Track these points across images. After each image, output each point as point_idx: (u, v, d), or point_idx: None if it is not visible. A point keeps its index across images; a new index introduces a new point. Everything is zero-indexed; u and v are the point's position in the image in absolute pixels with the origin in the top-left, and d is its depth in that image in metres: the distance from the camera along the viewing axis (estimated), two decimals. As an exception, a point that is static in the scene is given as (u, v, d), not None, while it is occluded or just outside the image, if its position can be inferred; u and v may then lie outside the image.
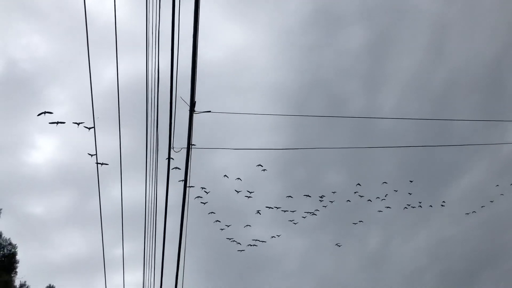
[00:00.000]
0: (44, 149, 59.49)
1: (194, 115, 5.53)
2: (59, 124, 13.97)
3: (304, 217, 23.73)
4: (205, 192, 19.07)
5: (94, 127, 7.10)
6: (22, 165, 53.68)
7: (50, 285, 20.38)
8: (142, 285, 12.43)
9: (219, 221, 21.13)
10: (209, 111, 5.81)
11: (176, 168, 10.33)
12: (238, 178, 21.98)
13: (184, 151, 6.18)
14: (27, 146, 56.87)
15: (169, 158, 6.53)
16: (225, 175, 20.84)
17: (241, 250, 22.55)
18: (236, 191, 21.41)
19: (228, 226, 21.53)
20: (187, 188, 6.71)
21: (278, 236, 23.02)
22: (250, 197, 20.96)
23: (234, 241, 22.78)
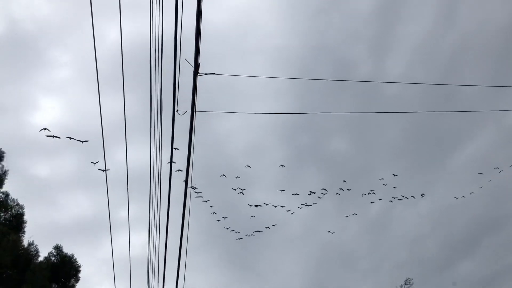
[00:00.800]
0: (48, 110, 59.53)
1: (198, 77, 5.45)
2: (54, 137, 14.14)
3: (300, 208, 23.81)
4: (196, 193, 18.99)
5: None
6: (25, 126, 53.80)
7: (57, 244, 20.81)
8: (147, 245, 12.64)
9: (216, 213, 21.24)
10: (214, 73, 5.72)
11: (179, 170, 10.17)
12: (248, 165, 21.71)
13: (188, 114, 6.13)
14: (30, 108, 56.85)
15: (173, 121, 6.48)
16: (222, 175, 20.87)
17: (239, 239, 22.89)
18: (249, 166, 21.31)
19: (224, 218, 21.67)
20: (191, 154, 6.69)
21: (282, 206, 22.96)
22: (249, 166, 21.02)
23: (233, 230, 22.99)
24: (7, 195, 21.59)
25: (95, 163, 15.26)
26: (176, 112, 6.38)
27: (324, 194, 22.16)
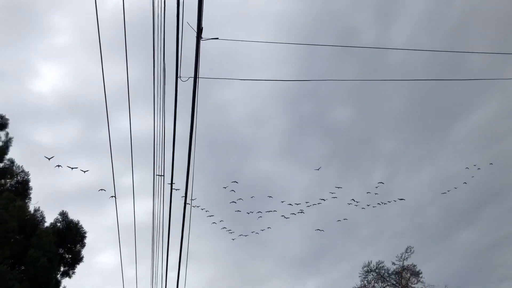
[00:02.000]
0: (49, 77, 59.13)
1: (202, 42, 5.37)
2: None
3: (287, 218, 24.53)
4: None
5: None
6: (26, 93, 53.58)
7: (63, 211, 21.10)
8: (152, 213, 12.78)
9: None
10: (217, 38, 5.63)
11: (176, 189, 10.34)
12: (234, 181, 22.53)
13: (191, 81, 6.08)
14: (30, 74, 56.50)
15: (176, 87, 6.43)
16: (226, 187, 21.78)
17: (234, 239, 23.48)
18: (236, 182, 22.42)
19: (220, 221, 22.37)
20: (195, 121, 6.68)
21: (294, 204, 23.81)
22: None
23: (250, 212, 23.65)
24: (12, 162, 21.76)
25: (102, 190, 16.49)
26: (179, 79, 6.33)
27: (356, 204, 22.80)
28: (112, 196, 13.47)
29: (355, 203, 25.22)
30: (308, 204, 24.63)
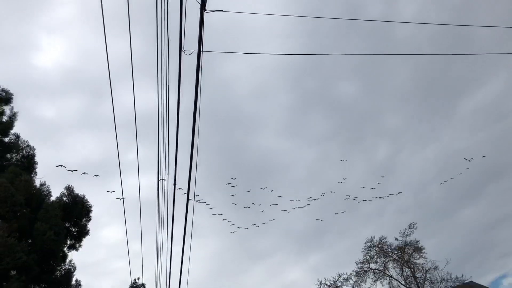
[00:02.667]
0: (51, 51, 58.84)
1: (205, 14, 5.29)
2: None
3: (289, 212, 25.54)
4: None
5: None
6: (29, 67, 53.39)
7: (68, 185, 21.26)
8: (157, 188, 12.88)
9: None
10: (221, 10, 5.54)
11: (180, 188, 10.52)
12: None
13: (195, 54, 6.02)
14: (33, 48, 56.19)
15: (180, 61, 6.37)
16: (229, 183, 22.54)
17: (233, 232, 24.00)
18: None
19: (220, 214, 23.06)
20: (199, 94, 6.63)
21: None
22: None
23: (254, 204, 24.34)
24: (17, 136, 21.86)
25: (111, 192, 17.38)
26: (182, 52, 6.26)
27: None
28: (119, 198, 14.11)
29: (353, 198, 25.88)
30: (309, 201, 25.20)
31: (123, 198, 13.36)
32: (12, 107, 21.98)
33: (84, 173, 19.72)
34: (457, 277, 27.16)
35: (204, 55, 6.36)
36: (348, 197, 25.64)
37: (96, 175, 19.57)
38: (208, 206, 21.35)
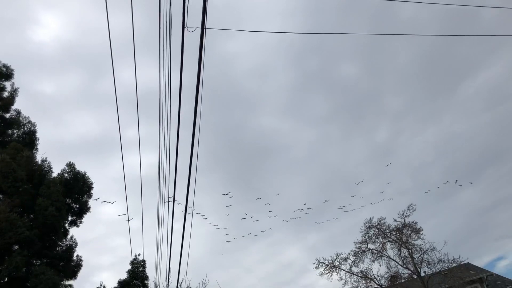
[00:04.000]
0: (50, 26, 58.22)
1: (209, -9, 5.22)
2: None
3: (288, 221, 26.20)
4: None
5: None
6: (27, 42, 52.90)
7: (70, 162, 21.31)
8: (158, 166, 12.90)
9: None
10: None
11: (178, 203, 10.63)
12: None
13: (198, 31, 5.96)
14: (31, 22, 55.60)
15: (182, 38, 6.32)
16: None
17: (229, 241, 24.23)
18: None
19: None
20: (201, 72, 6.60)
21: None
22: None
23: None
24: (18, 112, 21.85)
25: (121, 215, 17.62)
26: (185, 29, 6.20)
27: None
28: (127, 219, 14.39)
29: (344, 209, 26.35)
30: (306, 209, 25.55)
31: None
32: (13, 83, 21.91)
33: (104, 201, 20.61)
34: (454, 258, 27.41)
35: (206, 33, 6.31)
36: (341, 207, 26.13)
37: (113, 202, 20.43)
38: (204, 216, 21.75)
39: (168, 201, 12.16)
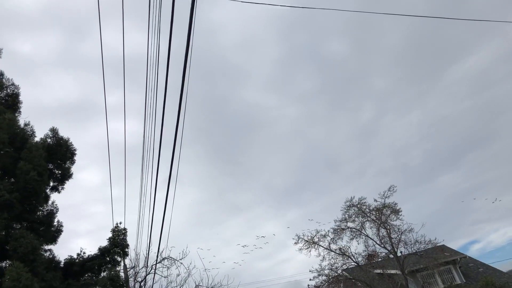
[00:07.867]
0: (27, -16, 56.41)
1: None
2: None
3: None
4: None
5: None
6: (4, -2, 51.09)
7: (53, 127, 21.02)
8: (143, 134, 12.84)
9: None
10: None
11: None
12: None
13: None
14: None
15: (173, 4, 6.22)
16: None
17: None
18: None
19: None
20: (191, 41, 6.52)
21: None
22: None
23: None
24: (1, 74, 21.36)
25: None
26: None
27: None
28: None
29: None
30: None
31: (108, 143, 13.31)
32: (-4, 44, 21.31)
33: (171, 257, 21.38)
34: (430, 240, 28.12)
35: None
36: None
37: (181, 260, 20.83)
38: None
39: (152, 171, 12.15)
